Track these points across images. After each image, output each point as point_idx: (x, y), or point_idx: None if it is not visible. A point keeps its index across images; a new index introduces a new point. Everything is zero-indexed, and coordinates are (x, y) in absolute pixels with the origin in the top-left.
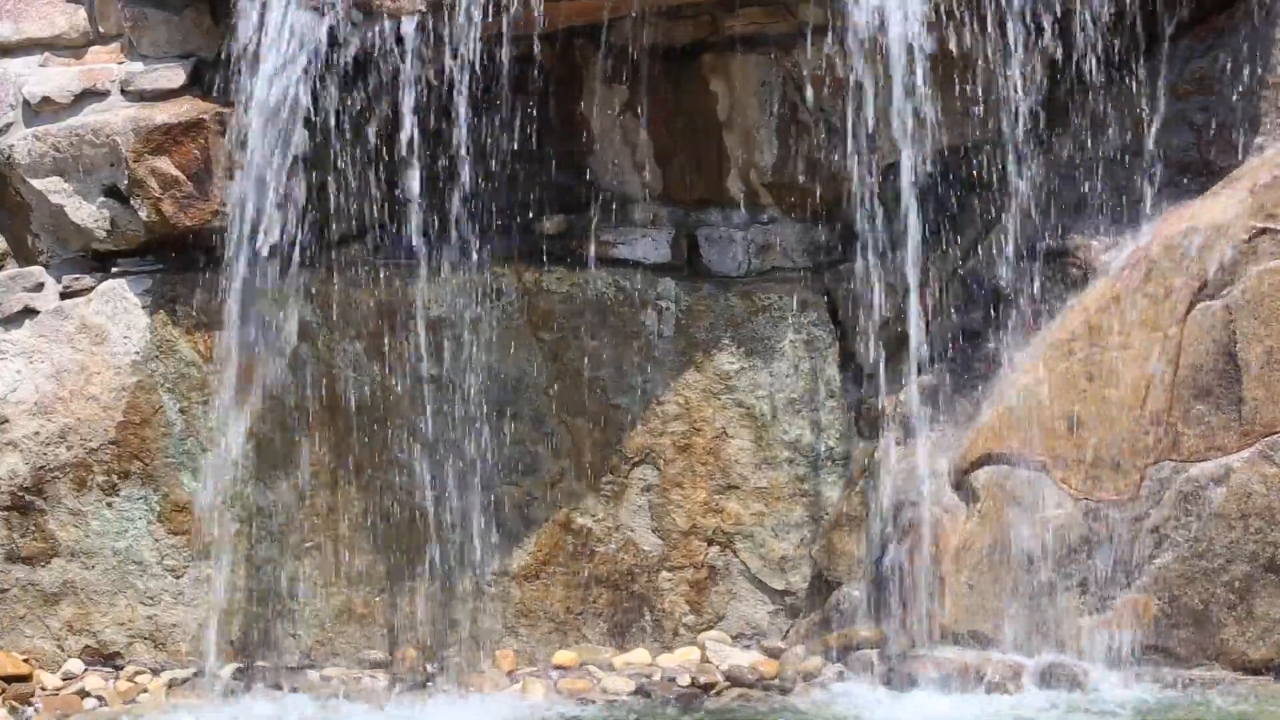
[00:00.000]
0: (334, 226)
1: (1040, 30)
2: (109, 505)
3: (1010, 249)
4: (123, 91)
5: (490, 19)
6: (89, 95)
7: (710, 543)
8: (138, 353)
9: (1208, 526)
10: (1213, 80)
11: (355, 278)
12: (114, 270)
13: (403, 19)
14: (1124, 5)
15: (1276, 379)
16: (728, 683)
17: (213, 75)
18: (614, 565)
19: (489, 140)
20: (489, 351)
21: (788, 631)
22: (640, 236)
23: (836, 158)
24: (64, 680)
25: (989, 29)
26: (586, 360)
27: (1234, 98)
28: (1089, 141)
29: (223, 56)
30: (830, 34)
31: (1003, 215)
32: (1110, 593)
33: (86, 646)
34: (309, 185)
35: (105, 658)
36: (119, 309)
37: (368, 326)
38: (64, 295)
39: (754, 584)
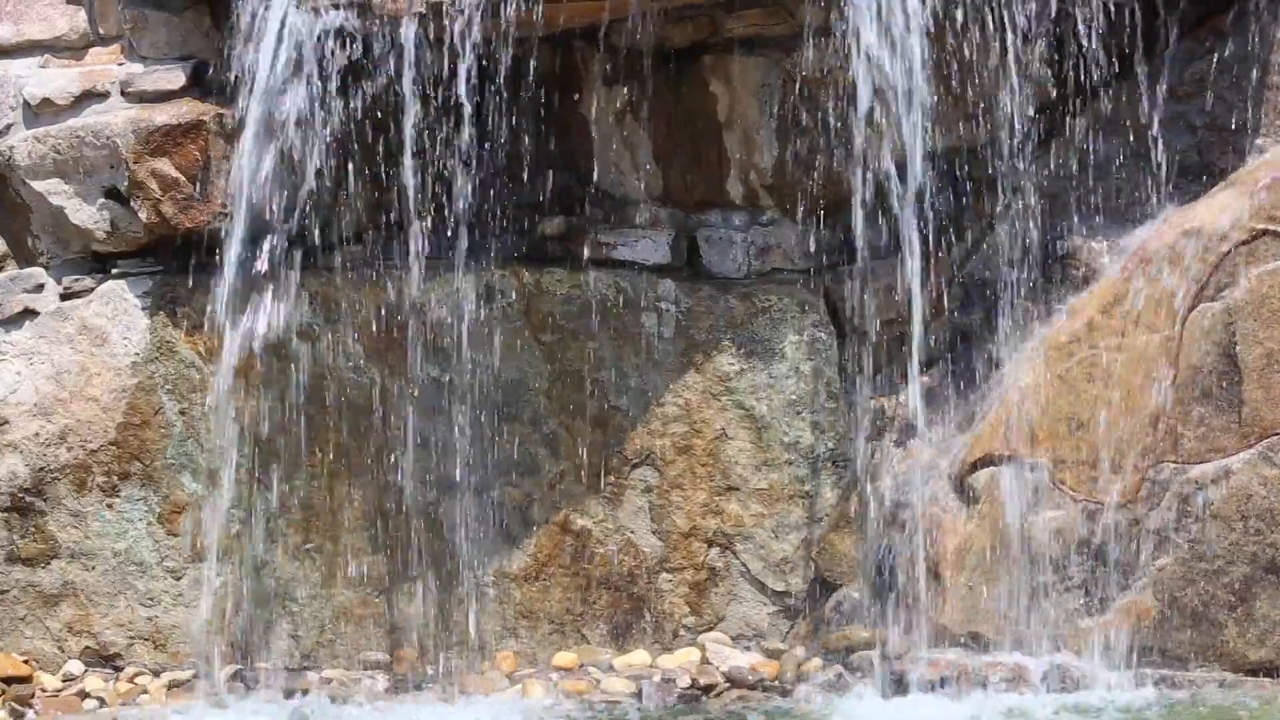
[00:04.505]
0: (334, 227)
1: (1041, 31)
2: (109, 506)
3: (1010, 250)
4: (123, 93)
5: (490, 20)
6: (89, 97)
7: (710, 544)
8: (138, 354)
9: (1207, 528)
10: (1213, 82)
11: (355, 279)
12: (114, 272)
13: (403, 20)
14: (1124, 6)
15: (1276, 381)
16: (728, 684)
17: (213, 76)
18: (614, 567)
19: (489, 141)
20: (489, 353)
21: (788, 633)
22: (640, 238)
23: (836, 159)
24: (64, 681)
25: (989, 30)
26: (586, 362)
27: (1234, 99)
28: (1089, 143)
29: (223, 58)
30: (830, 36)
31: (1003, 217)
32: (1110, 594)
33: (86, 648)
34: (309, 186)
35: (105, 659)
36: (119, 310)
37: (368, 328)
38: (64, 296)
39: (754, 585)
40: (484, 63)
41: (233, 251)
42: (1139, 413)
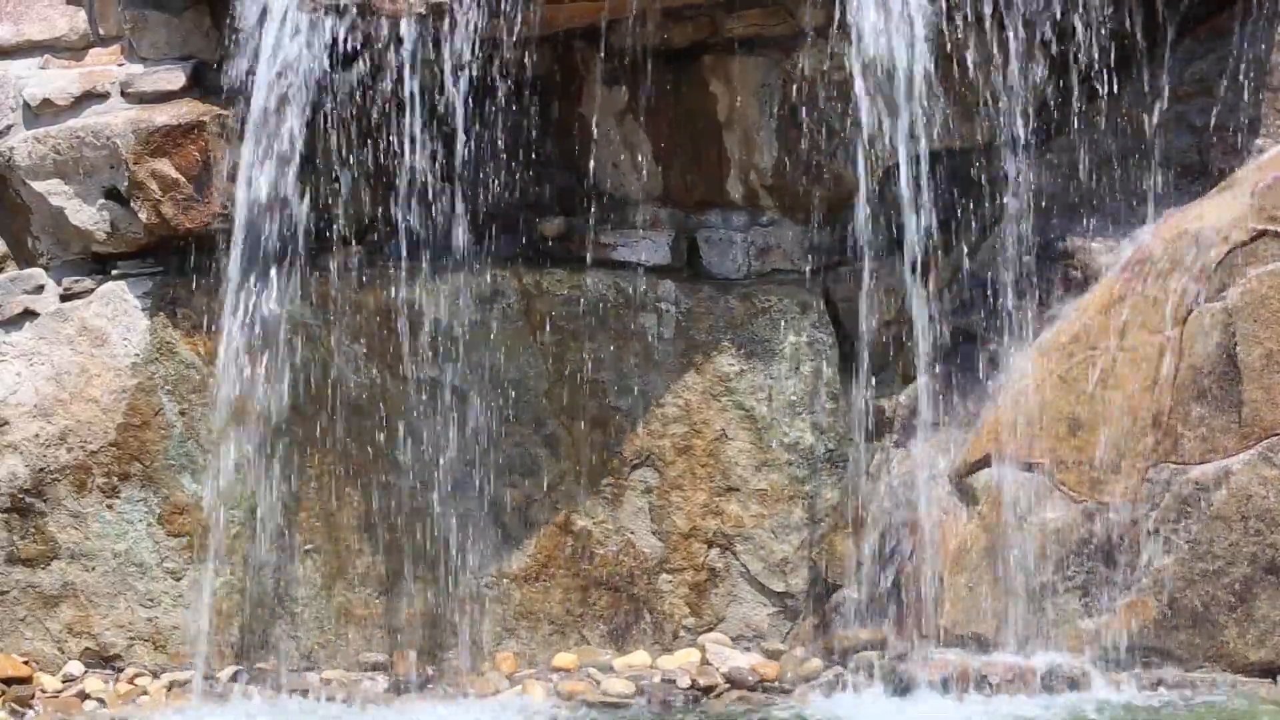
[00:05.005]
0: (334, 228)
1: (1041, 32)
2: (109, 507)
3: (1011, 251)
4: (123, 93)
5: (490, 21)
6: (89, 97)
7: (710, 545)
8: (138, 355)
9: (1207, 528)
10: (1213, 82)
11: (355, 279)
12: (114, 272)
13: (402, 20)
14: (1124, 6)
15: (1276, 381)
16: (728, 685)
17: (213, 77)
18: (614, 567)
19: (489, 142)
20: (489, 354)
21: (788, 634)
22: (640, 238)
23: (837, 159)
24: (64, 682)
25: (990, 30)
26: (586, 362)
27: (1234, 100)
28: (1089, 143)
29: (222, 58)
30: (830, 36)
31: (1003, 217)
32: (1110, 595)
33: (86, 649)
34: (309, 187)
35: (105, 660)
36: (119, 311)
37: (368, 328)
38: (64, 297)
39: (754, 586)
40: (484, 63)
41: (235, 251)
42: (1139, 413)
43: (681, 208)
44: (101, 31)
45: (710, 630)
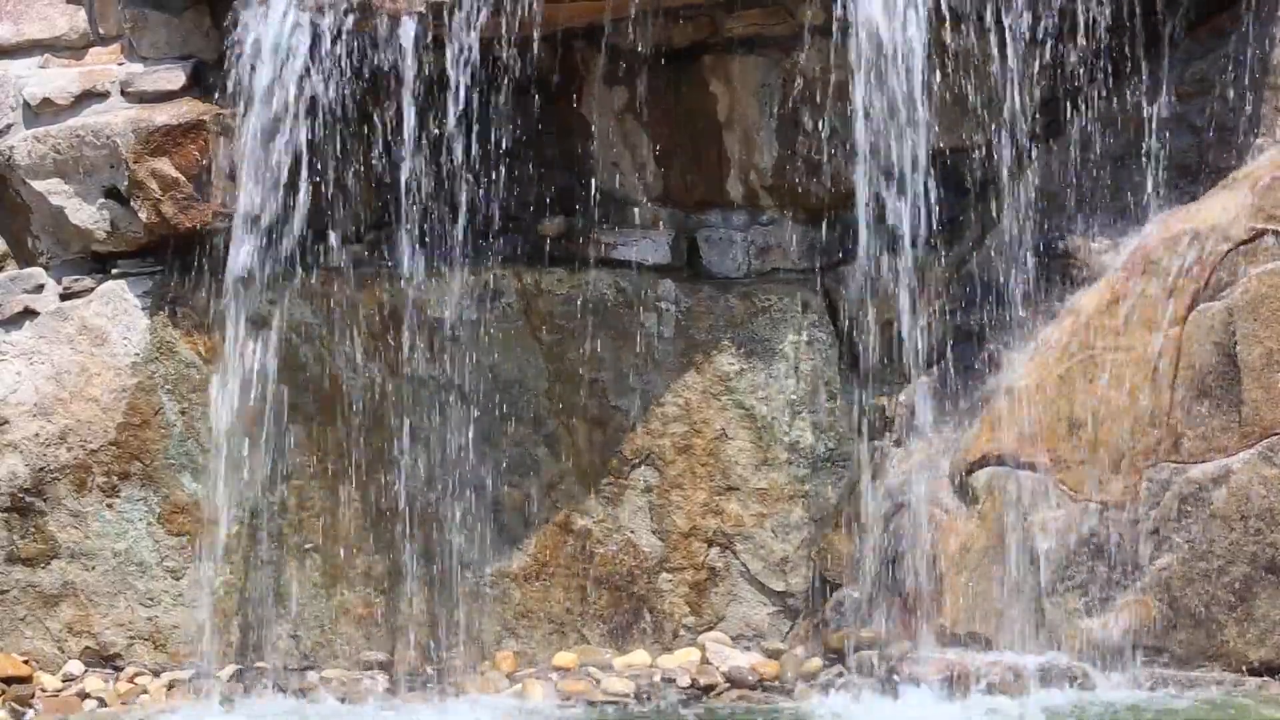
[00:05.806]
0: (334, 228)
1: (1041, 31)
2: (109, 506)
3: (1010, 250)
4: (123, 93)
5: (490, 20)
6: (89, 96)
7: (710, 544)
8: (138, 354)
9: (1207, 528)
10: (1213, 81)
11: (355, 279)
12: (114, 272)
13: (402, 19)
14: (1124, 6)
15: (1276, 381)
16: (728, 684)
17: (213, 76)
18: (614, 566)
19: (488, 142)
20: (489, 353)
21: (788, 633)
22: (640, 238)
23: (836, 159)
24: (64, 682)
25: (989, 29)
26: (586, 362)
27: (1234, 99)
28: (1089, 142)
29: (223, 58)
30: (830, 35)
31: (1002, 216)
32: (1110, 594)
33: (86, 648)
34: (309, 186)
35: (105, 659)
36: (119, 310)
37: (368, 327)
38: (64, 296)
39: (754, 585)
40: (484, 62)
41: (235, 251)
42: (1139, 413)
43: (681, 207)
44: (101, 31)
45: (710, 629)
